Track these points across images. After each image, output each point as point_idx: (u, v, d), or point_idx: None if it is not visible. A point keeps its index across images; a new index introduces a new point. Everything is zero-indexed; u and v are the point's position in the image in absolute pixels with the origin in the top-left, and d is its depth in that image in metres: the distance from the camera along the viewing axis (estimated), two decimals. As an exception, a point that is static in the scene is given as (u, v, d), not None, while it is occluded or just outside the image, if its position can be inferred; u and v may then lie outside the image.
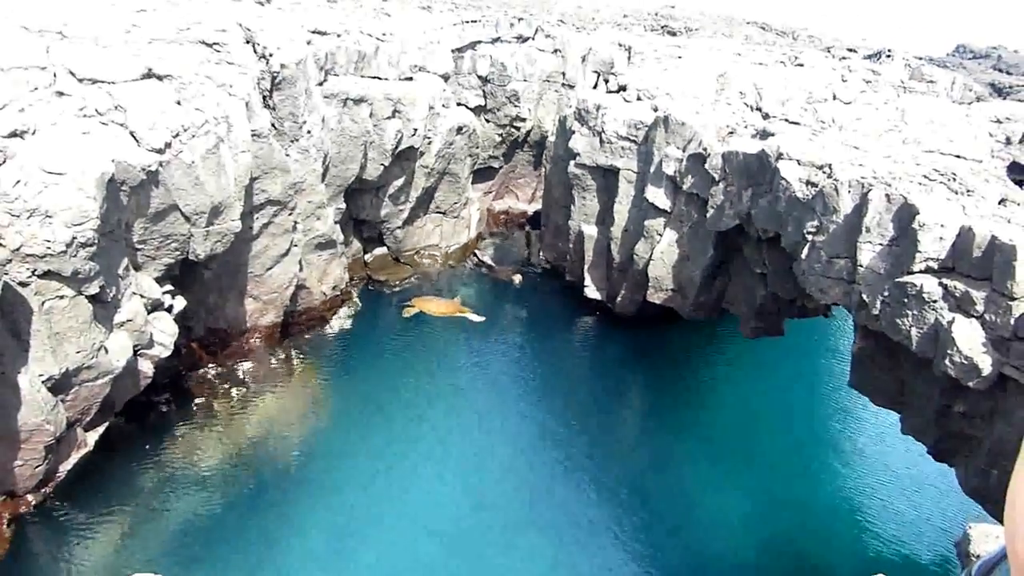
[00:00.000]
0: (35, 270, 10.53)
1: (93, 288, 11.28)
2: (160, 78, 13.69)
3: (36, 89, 12.34)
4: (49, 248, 10.47)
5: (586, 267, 20.43)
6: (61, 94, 12.49)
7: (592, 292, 20.52)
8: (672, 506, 14.60)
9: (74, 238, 10.67)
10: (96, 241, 11.01)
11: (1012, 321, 10.20)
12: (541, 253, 23.50)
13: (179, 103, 13.46)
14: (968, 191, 12.19)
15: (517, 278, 23.23)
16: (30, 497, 11.90)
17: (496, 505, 14.02)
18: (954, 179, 12.51)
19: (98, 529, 12.40)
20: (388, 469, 14.53)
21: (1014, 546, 1.55)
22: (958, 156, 13.98)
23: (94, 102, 12.57)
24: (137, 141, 12.55)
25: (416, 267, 22.58)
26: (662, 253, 17.78)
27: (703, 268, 17.10)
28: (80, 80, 12.92)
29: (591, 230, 20.17)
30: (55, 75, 12.75)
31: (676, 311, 18.40)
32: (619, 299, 19.73)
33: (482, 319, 20.17)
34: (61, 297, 10.91)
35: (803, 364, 20.36)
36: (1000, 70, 33.04)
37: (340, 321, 19.57)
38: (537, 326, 21.14)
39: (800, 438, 17.12)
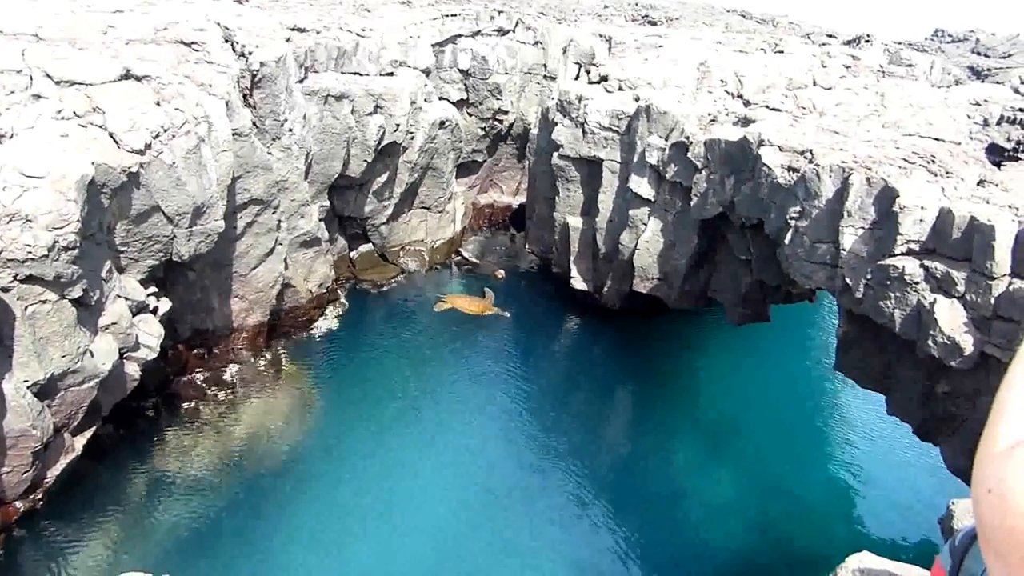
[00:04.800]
0: (17, 275, 10.44)
1: (76, 292, 11.20)
2: (139, 79, 13.57)
3: (12, 93, 12.22)
4: (30, 252, 10.39)
5: (572, 258, 20.47)
6: (38, 97, 12.37)
7: (578, 283, 20.56)
8: (660, 490, 14.72)
9: (55, 242, 10.59)
10: (78, 244, 10.92)
11: (992, 300, 10.33)
12: (527, 246, 23.54)
13: (158, 104, 13.35)
14: (947, 173, 12.30)
15: (500, 273, 23.30)
16: (18, 504, 11.82)
17: (489, 501, 14.07)
18: (933, 162, 12.62)
19: (88, 535, 12.34)
20: (380, 469, 14.54)
21: (978, 511, 1.60)
22: (937, 139, 14.09)
23: (72, 104, 12.46)
24: (117, 143, 12.44)
25: (402, 267, 22.56)
26: (647, 242, 17.84)
27: (688, 256, 17.17)
28: (57, 83, 12.79)
29: (576, 221, 20.21)
30: (31, 78, 12.61)
31: (662, 300, 18.49)
32: (605, 289, 19.78)
33: (508, 313, 20.55)
34: (44, 302, 10.83)
35: (789, 349, 20.52)
36: (978, 53, 33.28)
37: (327, 321, 19.53)
38: (524, 318, 21.17)
39: (787, 422, 17.28)
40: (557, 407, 17.29)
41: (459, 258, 24.13)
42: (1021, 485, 1.51)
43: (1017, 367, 1.79)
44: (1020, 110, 14.89)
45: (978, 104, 15.95)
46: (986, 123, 14.88)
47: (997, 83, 21.40)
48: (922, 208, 11.29)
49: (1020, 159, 13.31)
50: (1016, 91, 17.40)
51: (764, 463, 15.68)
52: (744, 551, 13.48)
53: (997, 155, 13.53)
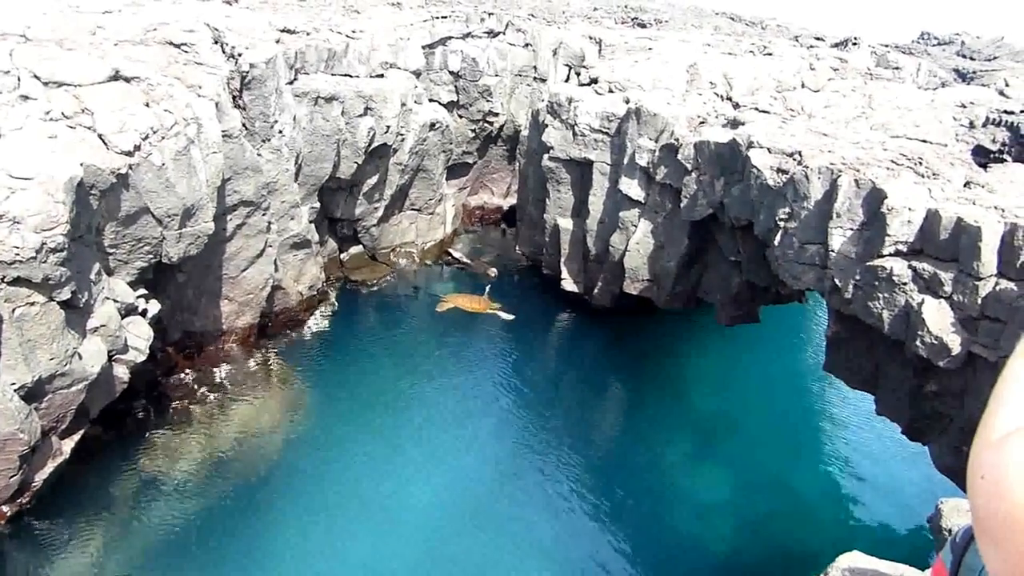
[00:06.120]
0: (4, 277, 10.36)
1: (65, 294, 11.13)
2: (128, 80, 13.51)
3: (0, 94, 12.13)
4: (18, 254, 10.31)
5: (562, 260, 20.50)
6: (26, 98, 12.29)
7: (569, 285, 20.60)
8: (651, 490, 14.75)
9: (44, 244, 10.52)
10: (66, 246, 10.86)
11: (979, 300, 10.44)
12: (517, 247, 23.55)
13: (148, 105, 13.29)
14: (934, 175, 12.42)
15: (492, 272, 23.31)
16: (5, 508, 11.71)
17: (480, 500, 14.06)
18: (920, 163, 12.74)
19: (76, 538, 12.24)
20: (369, 470, 14.50)
21: (972, 498, 1.63)
22: (924, 141, 14.22)
23: (60, 105, 12.38)
24: (106, 144, 12.38)
25: (392, 266, 22.55)
26: (637, 244, 17.90)
27: (678, 258, 17.24)
28: (45, 83, 12.72)
29: (566, 223, 20.25)
30: (19, 79, 12.53)
31: (652, 301, 18.54)
32: (596, 291, 19.83)
33: (512, 317, 20.41)
34: (32, 304, 10.75)
35: (779, 350, 20.62)
36: (963, 56, 33.56)
37: (317, 322, 19.46)
38: (516, 319, 21.19)
39: (777, 422, 17.37)
40: (548, 407, 17.30)
41: (448, 257, 24.08)
42: (1014, 472, 1.54)
43: (1014, 362, 1.84)
44: (1005, 112, 15.05)
45: (964, 106, 16.11)
46: (972, 125, 15.03)
47: (982, 85, 21.59)
48: (910, 209, 11.39)
49: (1005, 160, 13.45)
50: (1001, 93, 17.58)
51: (754, 463, 15.75)
52: (734, 550, 13.53)
53: (983, 157, 13.67)
